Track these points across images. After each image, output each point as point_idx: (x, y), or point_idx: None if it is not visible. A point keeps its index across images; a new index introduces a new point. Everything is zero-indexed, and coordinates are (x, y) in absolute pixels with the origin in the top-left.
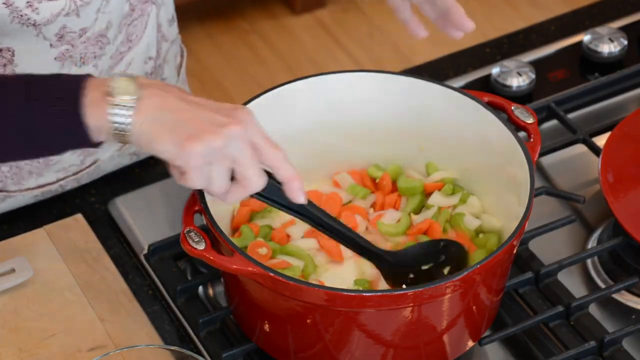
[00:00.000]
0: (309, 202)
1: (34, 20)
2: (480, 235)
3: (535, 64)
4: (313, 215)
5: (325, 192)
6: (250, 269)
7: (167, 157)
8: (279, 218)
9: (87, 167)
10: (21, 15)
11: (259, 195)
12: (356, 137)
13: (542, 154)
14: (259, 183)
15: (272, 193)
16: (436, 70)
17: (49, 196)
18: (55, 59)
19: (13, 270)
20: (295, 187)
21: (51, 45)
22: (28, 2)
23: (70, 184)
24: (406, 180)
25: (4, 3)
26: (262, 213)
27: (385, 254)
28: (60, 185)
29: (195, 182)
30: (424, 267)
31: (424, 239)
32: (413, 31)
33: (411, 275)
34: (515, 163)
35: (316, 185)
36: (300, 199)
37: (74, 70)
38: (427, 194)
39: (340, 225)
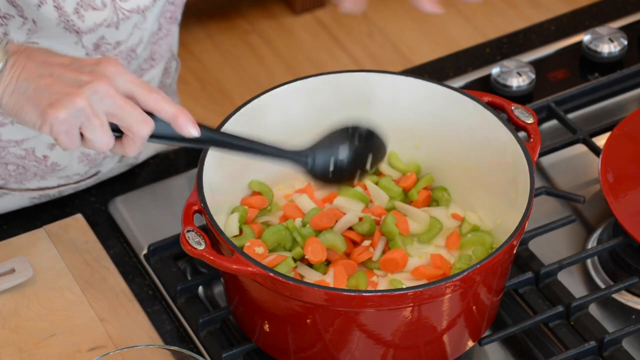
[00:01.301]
0: (208, 128)
1: (78, 27)
2: (469, 235)
3: (535, 64)
4: (216, 141)
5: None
6: (250, 269)
7: (34, 127)
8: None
9: (89, 178)
10: (67, 21)
11: (154, 137)
12: None
13: (542, 154)
14: (144, 129)
15: (165, 130)
16: (436, 70)
17: (45, 200)
18: None
19: (13, 270)
20: (182, 123)
21: (87, 54)
22: (76, 8)
23: (67, 191)
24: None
25: (55, 6)
26: (262, 211)
27: (302, 153)
28: (59, 191)
29: (67, 145)
30: (342, 158)
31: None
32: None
33: (331, 169)
34: (515, 163)
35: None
36: (191, 132)
37: None
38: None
39: (246, 141)
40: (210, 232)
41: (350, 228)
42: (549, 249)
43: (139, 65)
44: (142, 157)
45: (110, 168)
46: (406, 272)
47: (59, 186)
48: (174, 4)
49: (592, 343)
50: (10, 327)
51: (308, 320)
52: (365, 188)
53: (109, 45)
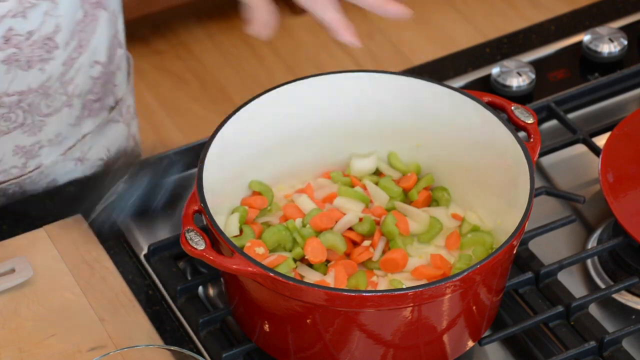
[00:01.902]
0: None
1: None
2: (469, 235)
3: (535, 64)
4: None
5: (319, 184)
6: (250, 269)
7: None
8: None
9: (30, 172)
10: None
11: None
12: (356, 137)
13: (542, 154)
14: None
15: None
16: (436, 70)
17: None
18: (2, 62)
19: (13, 270)
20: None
21: None
22: None
23: (12, 188)
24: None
25: None
26: (262, 212)
27: None
28: (1, 189)
29: None
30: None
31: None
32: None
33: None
34: (515, 163)
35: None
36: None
37: (20, 75)
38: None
39: None
40: (210, 232)
41: (350, 228)
42: (549, 249)
43: (69, 55)
44: (89, 159)
45: (53, 160)
46: (406, 272)
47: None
48: None
49: (592, 343)
50: (10, 327)
51: (308, 320)
52: (365, 188)
53: (20, 37)
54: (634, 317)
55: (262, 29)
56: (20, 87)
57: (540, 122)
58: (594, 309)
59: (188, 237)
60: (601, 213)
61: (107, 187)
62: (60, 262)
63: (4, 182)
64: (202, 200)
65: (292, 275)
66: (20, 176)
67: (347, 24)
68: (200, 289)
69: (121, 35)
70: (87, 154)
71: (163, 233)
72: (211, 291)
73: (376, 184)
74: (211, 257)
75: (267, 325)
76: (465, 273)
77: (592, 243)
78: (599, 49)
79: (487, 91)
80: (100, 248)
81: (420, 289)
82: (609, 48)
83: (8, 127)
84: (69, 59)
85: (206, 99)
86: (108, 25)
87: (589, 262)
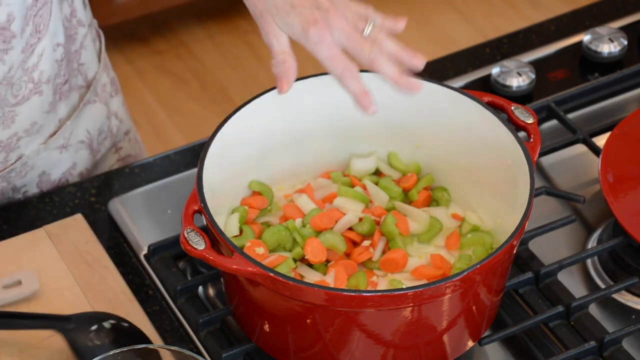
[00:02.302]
0: None
1: None
2: (469, 235)
3: (535, 64)
4: None
5: (319, 184)
6: (250, 269)
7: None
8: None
9: (13, 164)
10: None
11: None
12: (356, 137)
13: (542, 154)
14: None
15: None
16: (436, 70)
17: None
18: None
19: (20, 283)
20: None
21: None
22: None
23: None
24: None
25: None
26: (262, 212)
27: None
28: None
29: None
30: None
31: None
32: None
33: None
34: (515, 163)
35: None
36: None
37: None
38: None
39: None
40: (210, 232)
41: (350, 228)
42: (549, 249)
43: (27, 42)
44: (72, 143)
45: (34, 149)
46: (406, 272)
47: None
48: None
49: (592, 343)
50: None
51: (308, 320)
52: (365, 188)
53: None
54: (634, 317)
55: (287, 86)
56: None
57: (540, 122)
58: (594, 309)
59: (188, 237)
60: (601, 213)
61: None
62: (60, 262)
63: None
64: (202, 200)
65: (292, 275)
66: (4, 169)
67: (369, 94)
68: (200, 289)
69: (81, 14)
70: (69, 139)
71: (163, 233)
72: (211, 291)
73: (376, 184)
74: (211, 257)
75: (267, 325)
76: (465, 273)
77: (592, 243)
78: (599, 49)
79: (487, 91)
80: (100, 248)
81: (420, 289)
82: (609, 48)
83: None
84: (27, 46)
85: (206, 99)
86: (61, 6)
87: (589, 262)
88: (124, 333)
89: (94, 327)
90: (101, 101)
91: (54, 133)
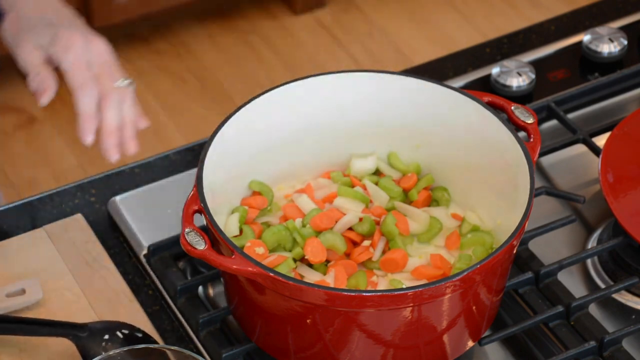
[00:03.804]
0: None
1: None
2: (469, 235)
3: (535, 64)
4: None
5: (319, 184)
6: (250, 269)
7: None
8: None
9: None
10: None
11: None
12: (356, 137)
13: (542, 154)
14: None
15: None
16: (436, 70)
17: None
18: None
19: (23, 291)
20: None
21: None
22: None
23: None
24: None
25: None
26: (262, 212)
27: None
28: None
29: None
30: None
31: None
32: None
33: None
34: (515, 163)
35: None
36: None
37: None
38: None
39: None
40: (210, 232)
41: (350, 228)
42: (549, 249)
43: None
44: None
45: None
46: (406, 272)
47: None
48: None
49: (592, 343)
50: None
51: (308, 320)
52: (365, 188)
53: None
54: (634, 317)
55: (47, 98)
56: None
57: (540, 122)
58: (594, 309)
59: (188, 237)
60: (601, 213)
61: None
62: (60, 262)
63: None
64: (202, 200)
65: (292, 275)
66: None
67: (92, 121)
68: (200, 288)
69: None
70: None
71: (163, 233)
72: (211, 291)
73: (376, 184)
74: (211, 257)
75: (267, 325)
76: (465, 273)
77: (592, 243)
78: (599, 49)
79: (487, 91)
80: (100, 248)
81: (420, 289)
82: (609, 48)
83: None
84: None
85: (206, 99)
86: None
87: (589, 262)
88: (138, 343)
89: (106, 337)
90: None
91: None
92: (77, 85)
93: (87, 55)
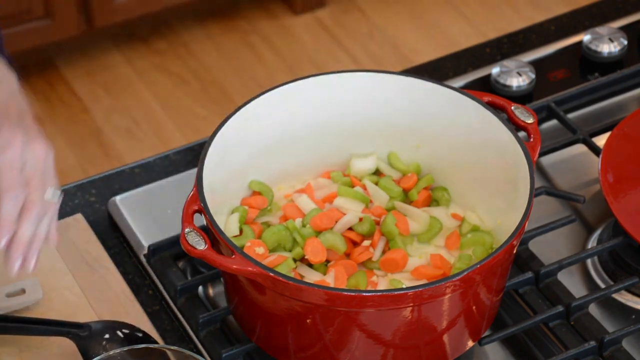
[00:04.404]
0: None
1: None
2: (469, 235)
3: (535, 64)
4: None
5: (319, 184)
6: (250, 269)
7: None
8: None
9: None
10: None
11: None
12: (356, 137)
13: (542, 154)
14: None
15: None
16: (436, 70)
17: None
18: None
19: (23, 291)
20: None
21: None
22: None
23: None
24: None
25: None
26: (262, 212)
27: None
28: None
29: None
30: None
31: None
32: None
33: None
34: (515, 163)
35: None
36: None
37: None
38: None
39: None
40: (210, 232)
41: (350, 228)
42: (549, 249)
43: None
44: None
45: None
46: (406, 272)
47: None
48: None
49: (592, 343)
50: None
51: (308, 320)
52: (365, 188)
53: None
54: (634, 317)
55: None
56: None
57: (540, 122)
58: (594, 309)
59: (188, 237)
60: (601, 213)
61: None
62: (60, 262)
63: None
64: (202, 200)
65: (292, 275)
66: None
67: (5, 231)
68: (200, 288)
69: None
70: None
71: (163, 233)
72: (211, 291)
73: (376, 184)
74: (211, 257)
75: (267, 325)
76: (465, 273)
77: (592, 243)
78: (599, 49)
79: (487, 91)
80: (100, 248)
81: (420, 289)
82: (609, 48)
83: None
84: None
85: (206, 99)
86: None
87: (589, 262)
88: (138, 342)
89: (107, 336)
90: None
91: None
92: (4, 188)
93: (24, 156)
